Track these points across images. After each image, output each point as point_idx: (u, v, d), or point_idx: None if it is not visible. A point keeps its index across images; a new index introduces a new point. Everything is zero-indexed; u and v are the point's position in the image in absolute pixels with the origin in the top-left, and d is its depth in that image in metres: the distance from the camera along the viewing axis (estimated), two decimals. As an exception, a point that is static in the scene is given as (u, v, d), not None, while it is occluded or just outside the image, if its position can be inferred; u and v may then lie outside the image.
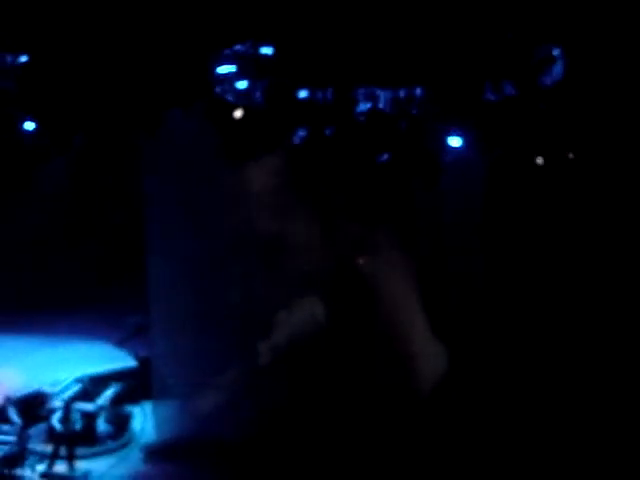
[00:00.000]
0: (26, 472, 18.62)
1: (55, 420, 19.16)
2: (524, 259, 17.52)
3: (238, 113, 15.71)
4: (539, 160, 15.62)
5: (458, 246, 17.98)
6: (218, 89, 15.49)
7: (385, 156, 16.08)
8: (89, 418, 19.47)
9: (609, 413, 16.75)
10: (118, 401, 20.60)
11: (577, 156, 15.70)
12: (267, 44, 15.21)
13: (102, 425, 19.49)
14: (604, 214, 16.65)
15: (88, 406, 19.74)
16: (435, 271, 18.25)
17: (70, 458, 18.61)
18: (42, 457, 18.77)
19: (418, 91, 15.68)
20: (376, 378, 18.12)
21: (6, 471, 18.17)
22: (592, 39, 14.64)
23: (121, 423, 19.80)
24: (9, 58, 15.27)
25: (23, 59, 15.25)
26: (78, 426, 19.17)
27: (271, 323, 18.81)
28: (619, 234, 16.70)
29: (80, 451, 18.88)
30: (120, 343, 23.79)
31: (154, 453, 19.19)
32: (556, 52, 14.85)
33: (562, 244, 17.27)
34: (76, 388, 20.65)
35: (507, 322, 17.66)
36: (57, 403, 19.71)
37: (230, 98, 15.62)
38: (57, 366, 21.68)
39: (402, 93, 15.68)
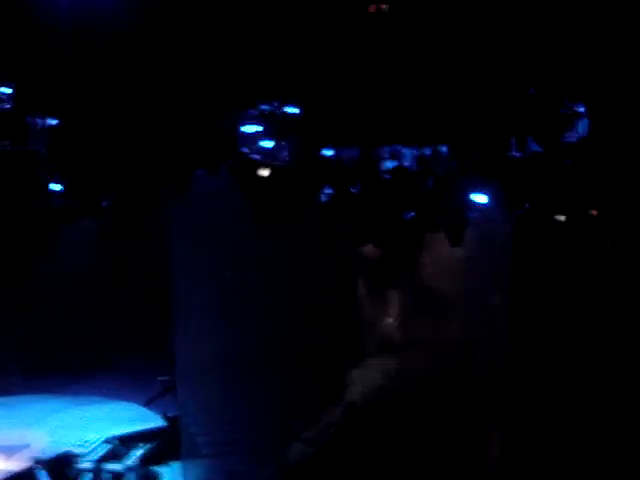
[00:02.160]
0: (56, 535, 18.67)
1: (84, 481, 19.16)
2: (553, 320, 17.45)
3: (265, 172, 15.79)
4: (561, 218, 15.59)
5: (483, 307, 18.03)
6: (244, 149, 15.60)
7: (411, 213, 16.10)
8: (118, 479, 19.38)
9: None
10: (147, 461, 20.56)
11: (602, 213, 15.65)
12: (293, 104, 15.32)
13: (131, 486, 19.45)
14: (628, 275, 16.61)
15: (117, 467, 19.69)
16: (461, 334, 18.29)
17: (100, 520, 18.64)
18: (72, 520, 18.84)
19: (443, 149, 15.72)
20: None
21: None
22: (617, 95, 14.64)
23: (150, 484, 19.76)
24: (39, 121, 15.45)
25: (53, 122, 15.44)
26: (107, 487, 19.15)
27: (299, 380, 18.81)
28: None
29: (109, 513, 18.90)
30: (149, 403, 23.83)
31: (183, 514, 19.17)
32: (581, 109, 14.87)
33: (592, 306, 17.20)
34: (105, 449, 20.65)
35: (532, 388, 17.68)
36: (86, 464, 19.69)
37: (256, 157, 15.72)
38: (85, 427, 21.65)
39: (427, 151, 15.73)
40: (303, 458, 18.60)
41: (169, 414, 22.24)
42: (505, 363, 17.80)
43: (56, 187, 16.12)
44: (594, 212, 15.39)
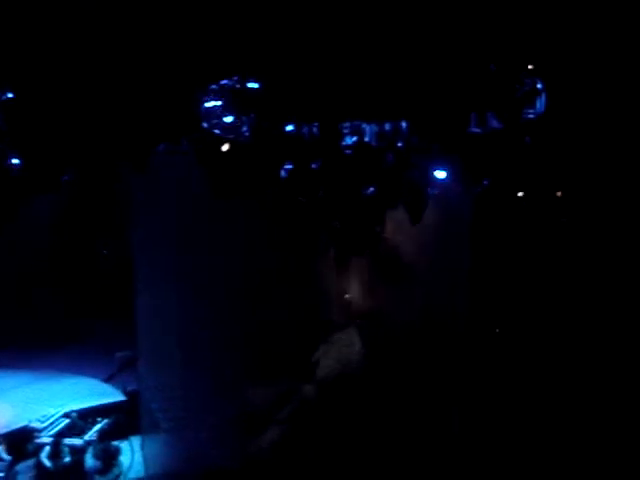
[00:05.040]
0: (14, 508, 18.67)
1: (44, 456, 19.10)
2: (509, 293, 17.68)
3: (225, 147, 15.75)
4: (520, 193, 15.74)
5: (444, 277, 18.18)
6: (205, 124, 15.55)
7: (371, 189, 16.17)
8: (77, 453, 19.40)
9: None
10: (106, 436, 20.58)
11: (561, 189, 15.85)
12: (254, 79, 15.28)
13: (90, 460, 19.42)
14: (585, 244, 16.85)
15: (76, 441, 19.70)
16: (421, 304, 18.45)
17: (58, 494, 18.65)
18: (30, 494, 18.83)
19: (403, 124, 15.77)
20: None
21: (-6, 508, 18.21)
22: (575, 72, 14.76)
23: (109, 458, 19.73)
24: (-4, 94, 15.30)
25: (9, 95, 15.28)
26: (66, 461, 19.10)
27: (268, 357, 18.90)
28: (601, 258, 16.90)
29: (69, 487, 18.91)
30: (108, 378, 23.82)
31: (143, 488, 19.21)
32: (539, 85, 14.97)
33: (550, 277, 17.43)
34: (64, 423, 20.65)
35: (488, 362, 17.88)
36: (45, 439, 19.69)
37: (217, 132, 15.68)
38: (45, 401, 21.66)
39: (388, 127, 15.77)
40: (277, 437, 18.77)
41: (129, 388, 22.30)
42: (464, 333, 18.03)
43: (15, 161, 15.99)
44: (559, 193, 15.63)
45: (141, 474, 19.54)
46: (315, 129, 15.73)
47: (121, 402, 21.97)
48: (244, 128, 15.68)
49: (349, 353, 19.08)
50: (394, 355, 18.48)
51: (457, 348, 18.13)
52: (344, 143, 15.89)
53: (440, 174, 15.83)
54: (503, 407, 17.66)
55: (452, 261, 18.23)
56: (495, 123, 15.20)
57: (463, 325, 18.04)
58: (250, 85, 15.26)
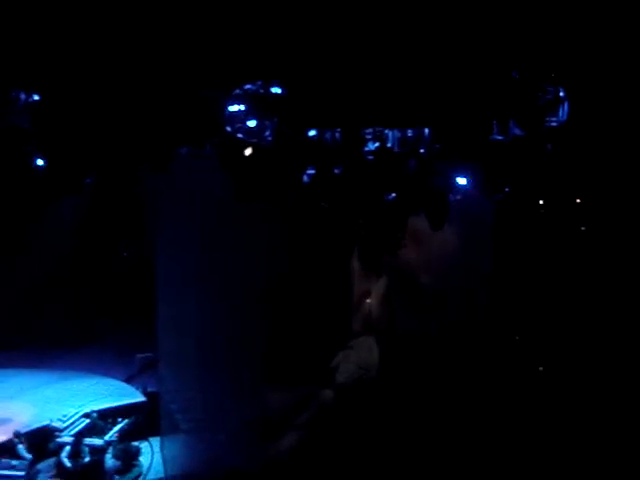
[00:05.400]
0: (35, 507, 18.79)
1: (64, 455, 19.22)
2: (530, 300, 17.67)
3: (248, 151, 15.82)
4: (540, 201, 15.74)
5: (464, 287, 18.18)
6: (228, 128, 15.62)
7: (393, 195, 16.21)
8: (97, 453, 19.50)
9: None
10: (126, 436, 20.70)
11: (581, 197, 15.84)
12: (277, 84, 15.34)
13: (110, 460, 19.52)
14: (605, 253, 16.82)
15: (97, 441, 19.81)
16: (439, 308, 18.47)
17: (78, 493, 18.77)
18: (51, 493, 18.95)
19: (426, 131, 15.80)
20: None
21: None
22: (597, 80, 14.75)
23: (129, 458, 19.84)
24: (22, 96, 15.41)
25: (36, 97, 15.40)
26: (86, 461, 19.21)
27: (279, 359, 18.93)
28: (621, 267, 16.86)
29: (88, 487, 19.02)
30: (128, 379, 23.96)
31: (162, 489, 19.30)
32: (562, 93, 14.97)
33: (570, 284, 17.40)
34: (84, 423, 20.77)
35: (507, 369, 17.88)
36: (66, 438, 19.81)
37: (240, 136, 15.74)
38: (66, 401, 21.82)
39: (410, 133, 15.80)
40: (296, 442, 18.80)
41: (149, 389, 22.42)
42: (486, 344, 18.01)
43: (40, 163, 16.12)
44: (578, 200, 15.62)
45: (160, 475, 19.65)
46: (337, 134, 15.77)
47: (141, 403, 22.11)
48: (267, 133, 15.73)
49: (368, 359, 19.10)
50: (412, 362, 18.47)
51: (477, 356, 18.11)
52: (366, 149, 15.92)
53: (461, 181, 15.84)
54: (518, 413, 17.64)
55: (473, 268, 18.24)
56: (517, 131, 15.20)
57: (483, 333, 18.03)
58: (273, 90, 15.31)
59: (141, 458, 20.11)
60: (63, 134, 15.29)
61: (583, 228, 16.52)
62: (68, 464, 19.09)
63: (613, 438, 16.76)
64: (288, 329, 18.92)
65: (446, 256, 18.61)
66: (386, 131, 15.88)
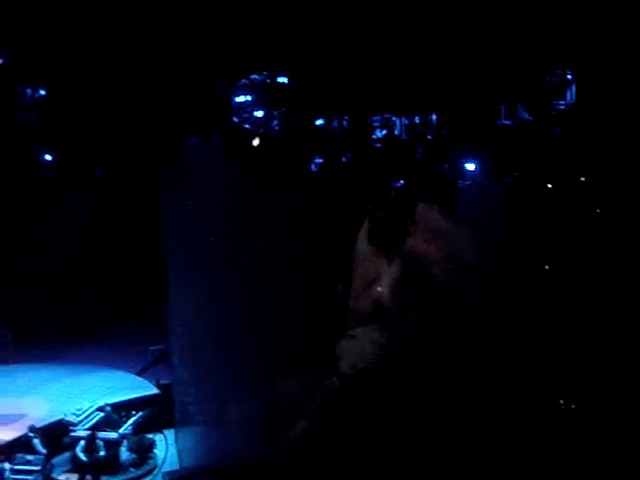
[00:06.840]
0: (51, 501, 18.85)
1: (79, 449, 19.28)
2: (544, 286, 17.62)
3: (256, 141, 15.82)
4: (549, 185, 15.70)
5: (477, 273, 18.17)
6: (236, 118, 15.61)
7: (401, 182, 16.19)
8: (112, 446, 19.55)
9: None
10: (140, 429, 20.75)
11: (590, 178, 15.79)
12: (284, 74, 15.32)
13: (125, 453, 19.58)
14: (614, 234, 16.77)
15: (111, 435, 19.87)
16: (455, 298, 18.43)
17: (94, 487, 18.84)
18: (66, 487, 19.02)
19: (433, 117, 15.77)
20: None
21: (31, 500, 18.40)
22: (605, 63, 14.70)
23: (144, 451, 19.89)
24: (29, 91, 15.42)
25: (42, 92, 15.40)
26: (102, 455, 19.28)
27: (292, 350, 18.95)
28: (630, 252, 16.81)
29: (104, 480, 19.09)
30: (140, 371, 24.00)
31: (177, 481, 19.36)
32: (569, 76, 14.92)
33: (583, 269, 17.35)
34: (99, 417, 20.81)
35: (521, 352, 17.82)
36: (80, 432, 19.86)
37: (248, 127, 15.73)
38: (80, 395, 21.86)
39: (417, 119, 15.78)
40: (306, 431, 18.79)
41: (162, 382, 22.46)
42: (498, 331, 17.98)
43: (47, 158, 16.14)
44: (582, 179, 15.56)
45: (175, 467, 19.69)
46: (345, 123, 15.75)
47: (155, 395, 22.14)
48: (274, 122, 15.72)
49: (373, 350, 19.02)
50: (420, 354, 18.44)
51: (492, 345, 18.07)
52: (374, 136, 15.90)
53: (470, 166, 15.81)
54: (529, 408, 17.61)
55: (486, 256, 18.21)
56: (525, 115, 15.16)
57: (498, 320, 18.00)
58: (280, 80, 15.30)
59: (156, 450, 20.15)
60: (70, 128, 15.30)
61: (597, 210, 16.45)
62: (83, 458, 19.16)
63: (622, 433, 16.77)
64: (299, 317, 18.93)
65: (459, 248, 18.57)
66: (393, 118, 15.86)
